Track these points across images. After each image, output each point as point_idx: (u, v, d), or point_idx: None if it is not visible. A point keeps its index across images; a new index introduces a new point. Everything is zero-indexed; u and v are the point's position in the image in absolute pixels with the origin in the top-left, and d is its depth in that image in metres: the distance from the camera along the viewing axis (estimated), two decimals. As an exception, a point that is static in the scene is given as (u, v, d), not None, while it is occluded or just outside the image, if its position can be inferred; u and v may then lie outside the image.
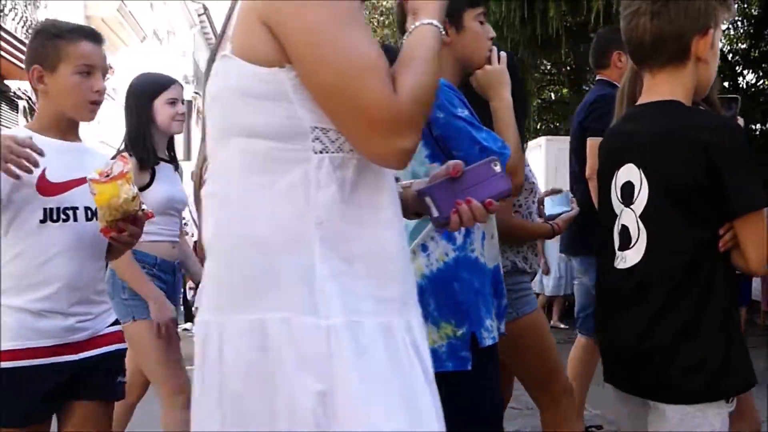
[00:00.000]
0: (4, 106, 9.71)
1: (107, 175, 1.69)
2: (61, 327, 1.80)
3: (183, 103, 2.70)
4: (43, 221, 1.77)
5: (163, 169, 2.65)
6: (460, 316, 1.60)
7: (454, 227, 1.19)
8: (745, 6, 10.75)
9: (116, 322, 2.02)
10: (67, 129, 1.89)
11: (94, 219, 1.80)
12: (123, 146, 2.65)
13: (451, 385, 1.51)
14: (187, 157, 19.73)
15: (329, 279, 0.98)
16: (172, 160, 2.77)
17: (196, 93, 20.74)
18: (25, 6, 9.38)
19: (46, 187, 1.78)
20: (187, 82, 20.64)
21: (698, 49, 1.42)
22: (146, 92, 2.63)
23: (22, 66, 7.52)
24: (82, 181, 1.76)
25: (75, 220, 1.82)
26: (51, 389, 1.81)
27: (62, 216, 1.79)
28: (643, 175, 1.42)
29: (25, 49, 7.74)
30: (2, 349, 1.73)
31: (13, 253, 1.77)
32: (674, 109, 1.44)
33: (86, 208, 1.82)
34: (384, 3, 10.03)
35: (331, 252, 0.98)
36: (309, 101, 0.98)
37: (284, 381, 0.97)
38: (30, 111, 10.54)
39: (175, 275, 2.67)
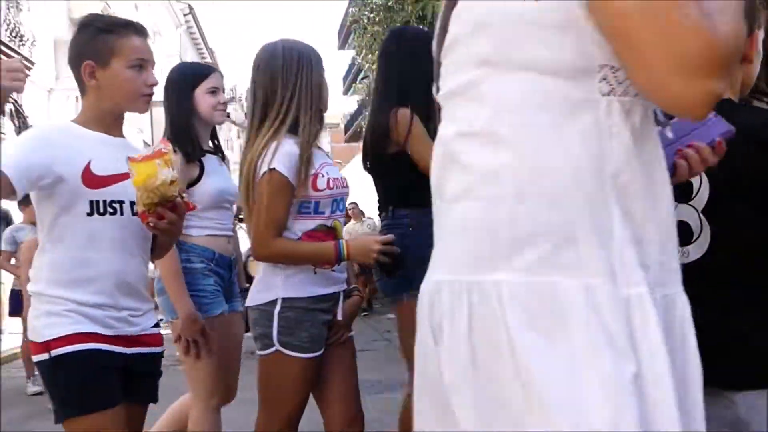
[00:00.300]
0: (-11, 111, 9.55)
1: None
2: (115, 317, 1.79)
3: (224, 92, 2.59)
4: (89, 214, 1.74)
5: (210, 161, 2.51)
6: None
7: (682, 174, 1.10)
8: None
9: (157, 325, 1.97)
10: (112, 124, 1.87)
11: None
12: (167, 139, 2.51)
13: None
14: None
15: (628, 244, 0.85)
16: (217, 151, 2.64)
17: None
18: (8, 8, 9.22)
19: (92, 180, 1.75)
20: (174, 83, 20.47)
21: (745, 50, 1.45)
22: (186, 82, 2.50)
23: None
24: (127, 175, 1.71)
25: (121, 213, 1.78)
26: (114, 375, 1.79)
27: (109, 209, 1.77)
28: (702, 172, 1.44)
29: (8, 51, 7.54)
30: (64, 333, 1.72)
31: (60, 245, 1.75)
32: (733, 108, 1.46)
33: (132, 203, 1.77)
34: (376, 0, 9.95)
35: (627, 212, 0.86)
36: (598, 33, 0.83)
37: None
38: (16, 114, 10.40)
39: (232, 270, 2.55)
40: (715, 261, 1.46)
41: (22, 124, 10.63)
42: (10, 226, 5.84)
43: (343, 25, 21.26)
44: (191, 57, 25.31)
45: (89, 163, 1.75)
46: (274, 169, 1.93)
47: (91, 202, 1.74)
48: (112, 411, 1.73)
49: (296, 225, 2.00)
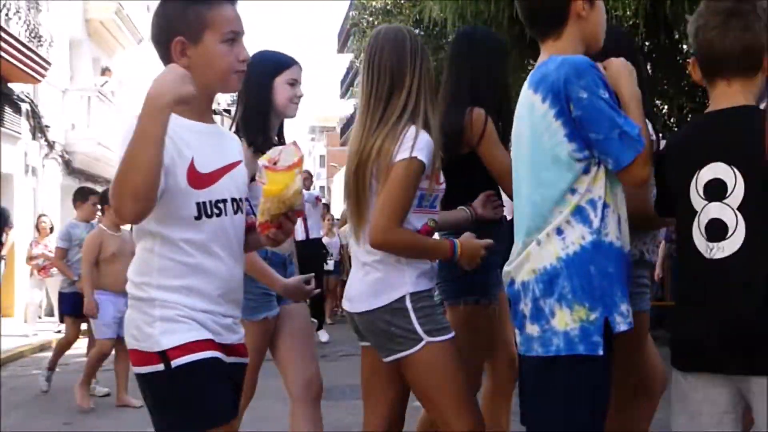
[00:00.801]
0: (8, 109, 9.90)
1: (275, 163, 1.54)
2: (221, 325, 1.62)
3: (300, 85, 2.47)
4: (197, 218, 1.56)
5: None
6: (594, 300, 1.58)
7: None
8: None
9: None
10: (205, 109, 1.68)
11: (239, 212, 1.65)
12: (234, 129, 2.38)
13: (579, 369, 1.55)
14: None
15: None
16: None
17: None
18: (28, 9, 9.56)
19: (196, 180, 1.56)
20: (184, 84, 20.78)
21: (766, 63, 1.61)
22: (268, 70, 2.36)
23: (26, 69, 7.70)
24: (227, 168, 1.61)
25: (225, 214, 1.61)
26: (230, 386, 1.65)
27: (215, 210, 1.59)
28: (737, 171, 1.56)
29: (27, 52, 7.85)
30: (183, 341, 1.53)
31: (167, 250, 1.56)
32: (760, 113, 1.61)
33: (233, 200, 1.63)
34: (374, 3, 10.17)
35: None
36: None
37: None
38: (32, 114, 10.73)
39: (286, 269, 2.47)
40: (752, 254, 1.52)
41: (37, 123, 10.97)
42: (66, 223, 5.79)
43: (342, 28, 21.35)
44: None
45: (192, 160, 1.56)
46: (415, 157, 1.85)
47: (198, 204, 1.56)
48: (228, 426, 1.58)
49: (413, 218, 1.93)
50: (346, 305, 2.05)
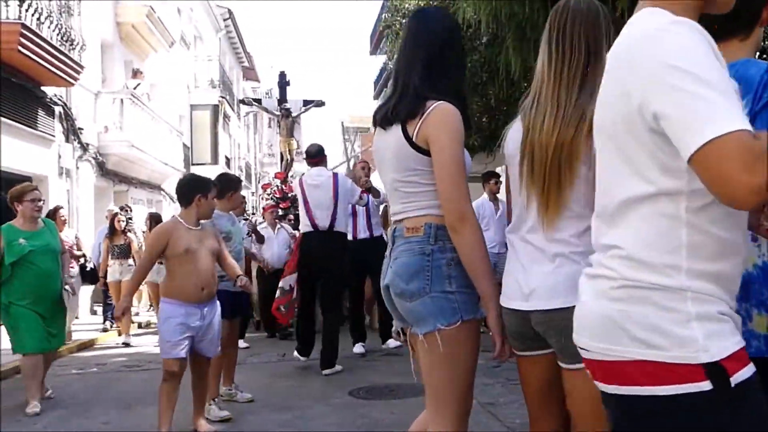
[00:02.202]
0: (41, 112, 10.01)
1: None
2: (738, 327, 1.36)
3: None
4: None
5: None
6: None
7: None
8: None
9: None
10: None
11: None
12: None
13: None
14: (215, 161, 20.13)
15: None
16: None
17: (222, 97, 21.06)
18: (60, 14, 9.66)
19: None
20: (213, 86, 20.97)
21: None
22: None
23: (59, 73, 7.76)
24: None
25: None
26: None
27: None
28: None
29: (60, 56, 7.88)
30: (735, 350, 1.12)
31: (705, 221, 1.16)
32: None
33: None
34: (407, 5, 10.10)
35: None
36: None
37: None
38: (66, 116, 10.85)
39: None
40: None
41: (70, 126, 11.10)
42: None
43: (375, 30, 21.43)
44: (230, 61, 25.88)
45: None
46: None
47: None
48: None
49: None
50: (517, 303, 1.79)
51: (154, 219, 8.66)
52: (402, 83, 2.06)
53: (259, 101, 14.07)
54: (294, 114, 11.52)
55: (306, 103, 11.97)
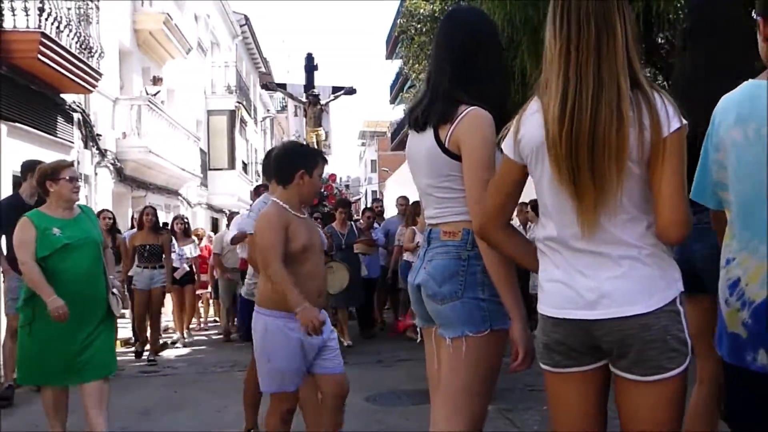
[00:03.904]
0: (60, 119, 10.12)
1: None
2: None
3: None
4: None
5: None
6: None
7: None
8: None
9: None
10: None
11: None
12: None
13: None
14: (231, 166, 20.26)
15: None
16: None
17: (239, 103, 21.18)
18: (78, 21, 9.77)
19: None
20: (230, 92, 21.10)
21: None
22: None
23: (77, 80, 7.82)
24: None
25: None
26: None
27: None
28: None
29: (78, 63, 7.99)
30: None
31: None
32: None
33: None
34: (422, 10, 10.11)
35: None
36: None
37: None
38: (84, 123, 10.97)
39: None
40: None
41: (88, 132, 11.22)
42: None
43: (390, 35, 21.50)
44: (246, 67, 26.03)
45: None
46: (686, 123, 1.52)
47: None
48: None
49: None
50: (579, 312, 1.56)
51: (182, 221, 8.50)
52: (432, 85, 2.06)
53: (283, 86, 12.22)
54: (323, 102, 10.53)
55: (335, 90, 10.83)
